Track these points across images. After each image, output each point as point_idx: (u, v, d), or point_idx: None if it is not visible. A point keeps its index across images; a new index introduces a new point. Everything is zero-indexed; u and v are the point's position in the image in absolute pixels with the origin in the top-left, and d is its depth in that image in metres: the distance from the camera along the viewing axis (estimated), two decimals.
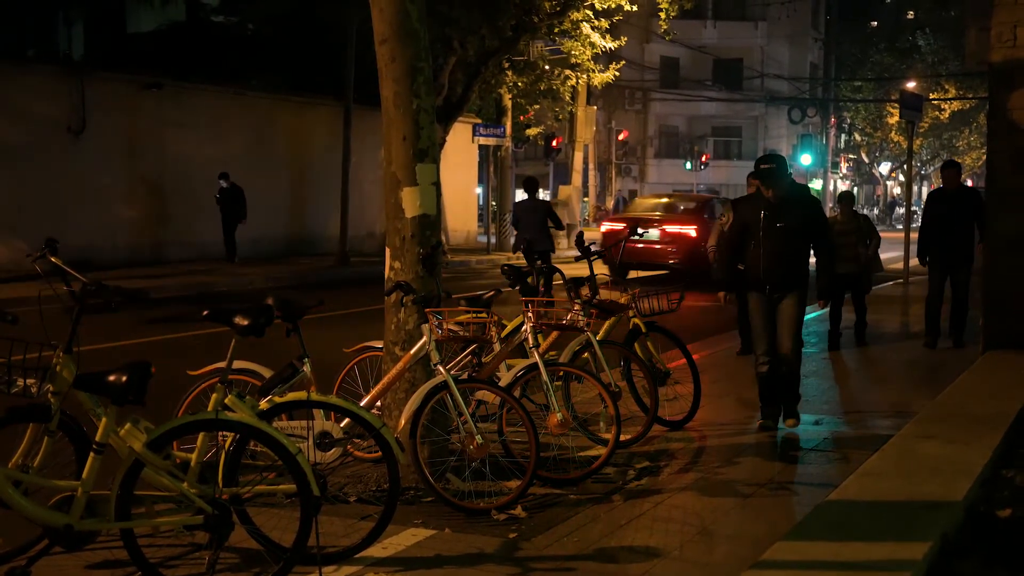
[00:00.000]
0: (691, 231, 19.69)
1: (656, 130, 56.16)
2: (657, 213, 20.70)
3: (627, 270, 14.32)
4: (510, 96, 28.10)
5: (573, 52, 23.86)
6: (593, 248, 7.82)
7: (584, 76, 25.89)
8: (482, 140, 28.22)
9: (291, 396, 4.93)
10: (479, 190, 35.69)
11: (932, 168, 60.21)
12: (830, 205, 43.28)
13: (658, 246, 19.55)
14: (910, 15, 58.63)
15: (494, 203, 30.77)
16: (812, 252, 7.38)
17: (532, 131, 34.49)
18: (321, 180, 25.47)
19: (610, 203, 46.76)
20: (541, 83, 25.82)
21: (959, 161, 14.83)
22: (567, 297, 6.83)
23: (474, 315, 6.06)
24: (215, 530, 4.26)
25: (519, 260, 7.67)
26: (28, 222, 18.76)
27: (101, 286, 4.45)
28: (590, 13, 22.65)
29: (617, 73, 27.59)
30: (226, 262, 21.69)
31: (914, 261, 13.18)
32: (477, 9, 20.42)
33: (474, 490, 5.54)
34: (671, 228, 19.82)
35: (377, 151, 23.10)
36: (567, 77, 25.66)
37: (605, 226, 21.09)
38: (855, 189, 62.95)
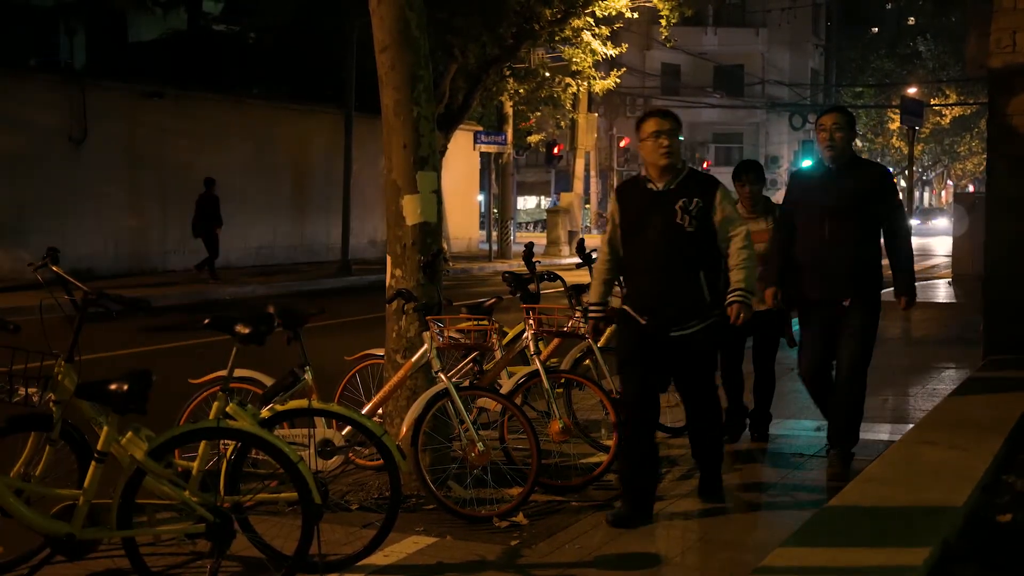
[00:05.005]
0: None
1: None
2: None
3: None
4: (511, 103, 28.16)
5: (574, 59, 23.92)
6: (594, 255, 7.81)
7: (585, 83, 25.96)
8: (483, 147, 28.26)
9: (292, 404, 4.93)
10: (480, 197, 35.71)
11: (934, 173, 60.26)
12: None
13: None
14: (911, 21, 58.73)
15: (495, 210, 30.79)
16: None
17: (533, 138, 34.55)
18: (322, 188, 25.51)
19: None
20: (542, 90, 25.89)
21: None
22: (568, 304, 6.83)
23: (475, 322, 6.07)
24: (217, 538, 4.27)
25: (521, 267, 7.67)
26: (29, 231, 18.79)
27: (102, 295, 4.46)
28: (591, 20, 22.71)
29: (618, 80, 27.67)
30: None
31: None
32: (478, 17, 20.45)
33: (476, 497, 5.54)
34: None
35: (378, 159, 23.14)
36: (568, 84, 25.73)
37: None
38: None
